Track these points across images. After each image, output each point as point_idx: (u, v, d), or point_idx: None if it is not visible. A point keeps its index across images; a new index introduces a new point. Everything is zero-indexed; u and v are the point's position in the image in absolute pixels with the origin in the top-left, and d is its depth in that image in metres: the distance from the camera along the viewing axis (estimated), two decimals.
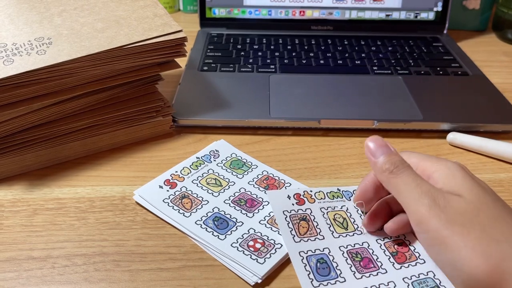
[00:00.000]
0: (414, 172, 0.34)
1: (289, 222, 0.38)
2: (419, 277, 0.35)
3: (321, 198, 0.41)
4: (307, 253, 0.36)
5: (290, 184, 0.44)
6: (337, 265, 0.35)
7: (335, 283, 0.34)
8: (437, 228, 0.31)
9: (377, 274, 0.35)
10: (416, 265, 0.36)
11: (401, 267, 0.35)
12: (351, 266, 0.35)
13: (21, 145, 0.44)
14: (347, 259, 0.36)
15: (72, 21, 0.47)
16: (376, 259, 0.36)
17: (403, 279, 0.35)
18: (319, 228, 0.38)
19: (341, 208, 0.40)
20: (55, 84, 0.43)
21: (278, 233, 0.38)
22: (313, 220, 0.39)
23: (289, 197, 0.40)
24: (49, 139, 0.45)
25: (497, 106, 0.55)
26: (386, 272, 0.35)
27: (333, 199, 0.41)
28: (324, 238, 0.37)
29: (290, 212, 0.39)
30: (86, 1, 0.50)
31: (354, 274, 0.35)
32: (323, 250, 0.36)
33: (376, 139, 0.36)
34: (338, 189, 0.42)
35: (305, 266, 0.35)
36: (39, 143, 0.45)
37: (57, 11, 0.48)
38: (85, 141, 0.47)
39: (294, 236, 0.37)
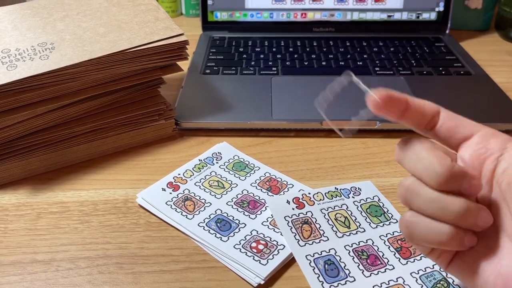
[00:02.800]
0: None
1: (291, 227, 0.38)
2: (425, 271, 0.35)
3: (320, 200, 0.41)
4: (313, 256, 0.36)
5: (293, 186, 0.44)
6: (345, 265, 0.35)
7: (345, 283, 0.34)
8: None
9: (385, 271, 0.35)
10: (421, 259, 0.36)
11: (407, 262, 0.36)
12: (359, 265, 0.35)
13: (25, 150, 0.45)
14: (354, 258, 0.36)
15: (74, 26, 0.47)
16: (382, 256, 0.36)
17: (410, 273, 0.35)
18: (322, 230, 0.38)
19: (341, 206, 0.41)
20: (59, 88, 0.43)
21: (281, 234, 0.38)
22: (315, 222, 0.39)
23: (288, 202, 0.41)
24: (53, 143, 0.46)
25: (500, 105, 0.54)
26: (394, 268, 0.35)
27: (332, 198, 0.41)
28: (328, 239, 0.37)
29: (292, 217, 0.39)
30: (88, 6, 0.51)
31: (362, 272, 0.35)
32: (329, 251, 0.36)
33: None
34: (336, 187, 0.42)
35: (313, 269, 0.35)
36: (43, 147, 0.45)
37: (60, 17, 0.49)
38: (89, 145, 0.47)
39: (299, 240, 0.37)
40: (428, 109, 0.31)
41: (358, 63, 0.63)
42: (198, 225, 0.39)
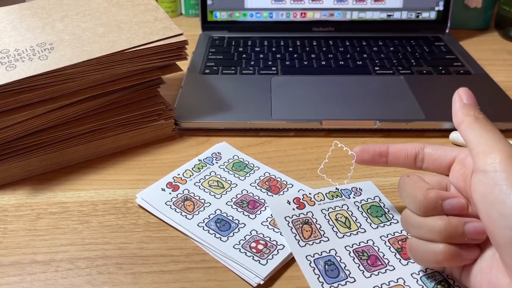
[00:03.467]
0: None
1: (292, 228, 0.38)
2: (426, 271, 0.35)
3: (321, 200, 0.41)
4: (314, 256, 0.36)
5: (292, 185, 0.44)
6: (346, 266, 0.35)
7: (345, 284, 0.34)
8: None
9: (385, 272, 0.35)
10: None
11: (407, 263, 0.36)
12: (359, 265, 0.35)
13: (25, 150, 0.45)
14: (354, 258, 0.36)
15: (73, 27, 0.47)
16: (383, 256, 0.36)
17: (411, 274, 0.35)
18: (322, 230, 0.38)
19: (342, 207, 0.40)
20: (58, 89, 0.43)
21: (281, 234, 0.38)
22: (316, 222, 0.39)
23: (288, 202, 0.40)
24: (52, 144, 0.46)
25: (500, 104, 0.54)
26: (394, 269, 0.35)
27: (333, 199, 0.41)
28: (329, 240, 0.37)
29: (292, 217, 0.39)
30: (87, 7, 0.50)
31: (363, 273, 0.35)
32: (330, 252, 0.36)
33: (471, 95, 0.37)
34: (336, 188, 0.42)
35: (313, 270, 0.35)
36: (43, 147, 0.45)
37: (59, 17, 0.49)
38: (88, 145, 0.47)
39: (299, 240, 0.37)
40: (411, 148, 0.37)
41: (358, 62, 0.63)
42: (197, 225, 0.39)
